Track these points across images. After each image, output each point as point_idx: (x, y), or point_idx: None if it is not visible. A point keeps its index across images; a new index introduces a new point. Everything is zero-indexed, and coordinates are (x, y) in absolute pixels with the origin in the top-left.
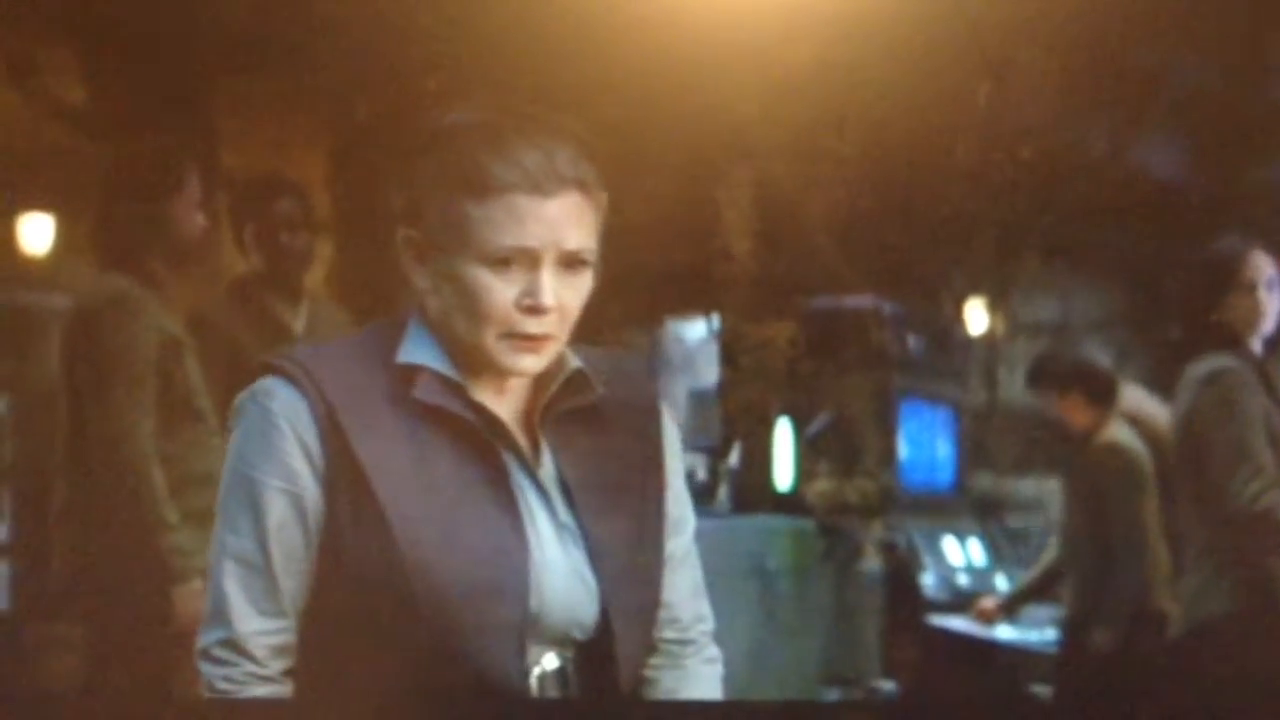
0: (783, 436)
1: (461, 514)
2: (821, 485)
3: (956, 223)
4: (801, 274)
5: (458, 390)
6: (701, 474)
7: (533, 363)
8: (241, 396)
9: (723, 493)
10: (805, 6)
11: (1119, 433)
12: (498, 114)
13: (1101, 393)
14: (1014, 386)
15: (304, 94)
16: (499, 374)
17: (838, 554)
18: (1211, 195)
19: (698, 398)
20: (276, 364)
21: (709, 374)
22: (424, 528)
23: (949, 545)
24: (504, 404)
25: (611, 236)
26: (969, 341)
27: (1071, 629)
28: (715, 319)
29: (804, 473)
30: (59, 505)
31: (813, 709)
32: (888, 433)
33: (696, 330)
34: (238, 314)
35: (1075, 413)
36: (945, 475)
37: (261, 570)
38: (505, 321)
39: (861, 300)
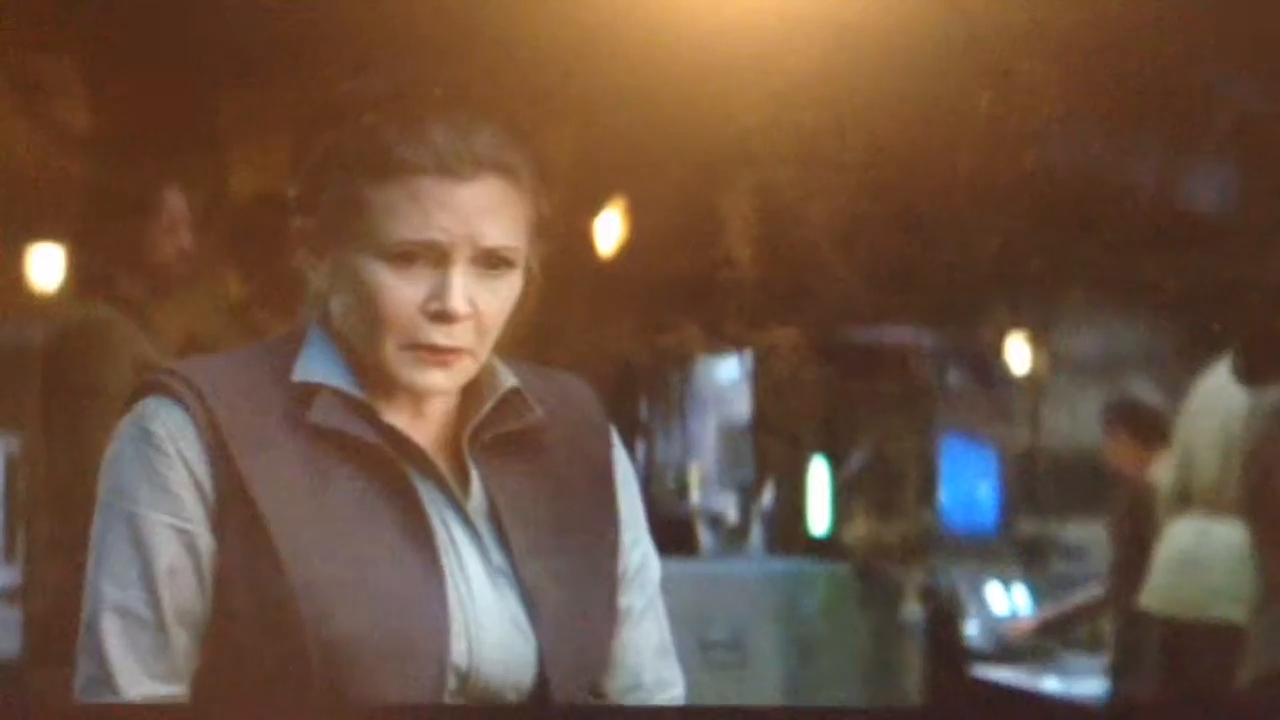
0: (818, 476)
1: (368, 556)
2: (859, 527)
3: (1001, 253)
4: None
5: (363, 411)
6: (733, 515)
7: (442, 380)
8: (121, 421)
9: (755, 535)
10: (807, 15)
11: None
12: (407, 84)
13: (1150, 431)
14: (1059, 425)
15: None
16: (413, 393)
17: (876, 599)
18: (1244, 212)
19: (729, 436)
20: (157, 380)
21: (741, 411)
22: (323, 571)
23: (993, 591)
24: (423, 427)
25: (613, 244)
26: (1011, 377)
27: (1117, 679)
28: (748, 357)
29: (841, 514)
30: (43, 544)
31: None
32: (928, 473)
33: (728, 367)
34: (238, 340)
35: (1122, 452)
36: (988, 517)
37: (151, 625)
38: (408, 329)
39: (901, 333)
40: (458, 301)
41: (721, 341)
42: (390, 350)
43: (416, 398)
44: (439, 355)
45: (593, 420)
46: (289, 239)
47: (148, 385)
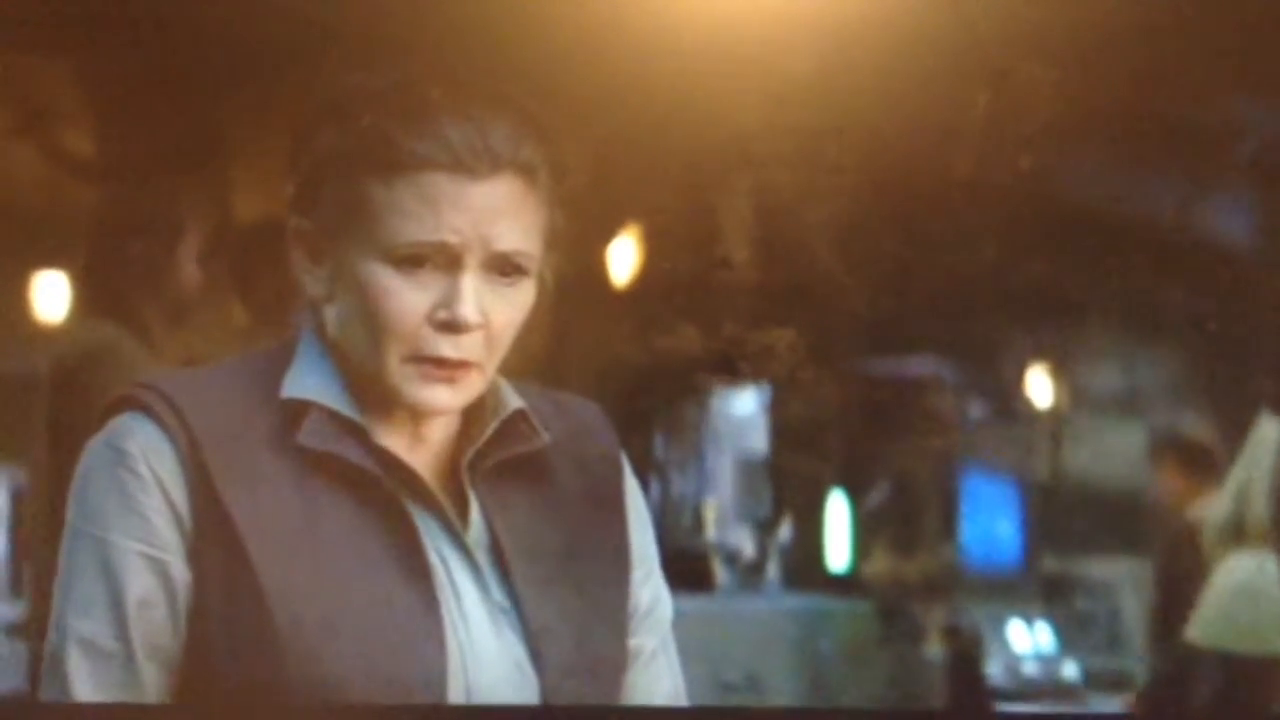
0: (837, 511)
1: (359, 591)
2: (879, 563)
3: (1022, 282)
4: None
5: (356, 433)
6: (750, 551)
7: (447, 397)
8: (93, 438)
9: (773, 571)
10: (805, 16)
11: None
12: (415, 77)
13: (1198, 466)
14: (1082, 458)
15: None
16: (412, 412)
17: (897, 638)
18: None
19: (746, 469)
20: (133, 394)
21: (758, 445)
22: (309, 606)
23: (1015, 629)
24: (421, 451)
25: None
26: (1034, 410)
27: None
28: (765, 389)
29: (860, 550)
30: (49, 578)
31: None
32: (950, 508)
33: (745, 400)
34: None
35: (1169, 486)
36: (1011, 554)
37: (120, 659)
38: (413, 339)
39: (922, 365)
40: (468, 309)
41: (736, 374)
42: (392, 363)
43: (415, 418)
44: (445, 369)
45: (603, 447)
46: (285, 241)
47: (122, 400)
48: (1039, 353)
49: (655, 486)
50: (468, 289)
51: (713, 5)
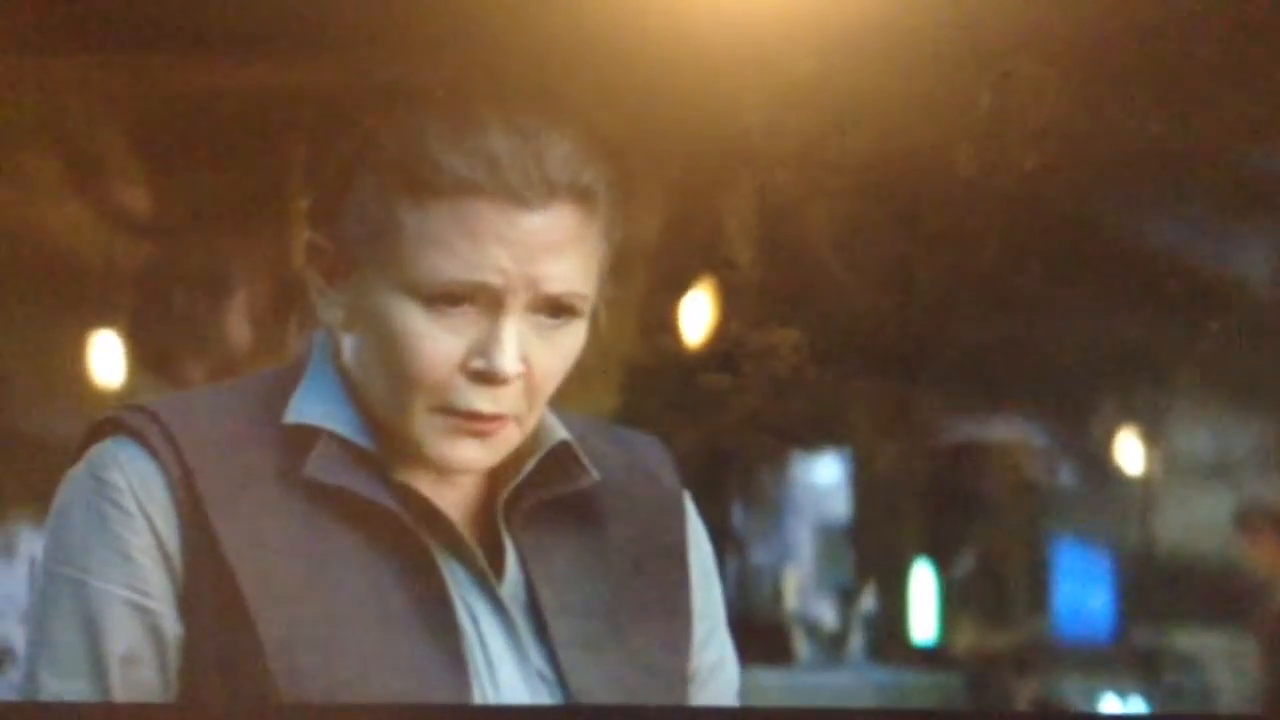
0: (923, 580)
1: (375, 649)
2: (966, 635)
3: (1111, 344)
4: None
5: (371, 464)
6: (832, 622)
7: (476, 454)
8: (72, 468)
9: (855, 643)
10: (807, 16)
11: None
12: (462, 78)
13: None
14: (1174, 526)
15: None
16: (431, 472)
17: (986, 712)
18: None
19: (827, 536)
20: (119, 417)
21: (840, 512)
22: (316, 667)
23: (1108, 704)
24: (448, 489)
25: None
26: (1125, 476)
27: None
28: (847, 453)
29: (947, 621)
30: None
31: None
32: (1039, 577)
33: (826, 467)
34: None
35: (1263, 554)
36: (1102, 625)
37: None
38: (442, 389)
39: (1009, 429)
40: (508, 360)
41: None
42: (416, 412)
43: (440, 471)
44: (478, 423)
45: (664, 486)
46: (298, 255)
47: (107, 424)
48: (1129, 416)
49: (734, 556)
50: (508, 336)
51: (713, 5)
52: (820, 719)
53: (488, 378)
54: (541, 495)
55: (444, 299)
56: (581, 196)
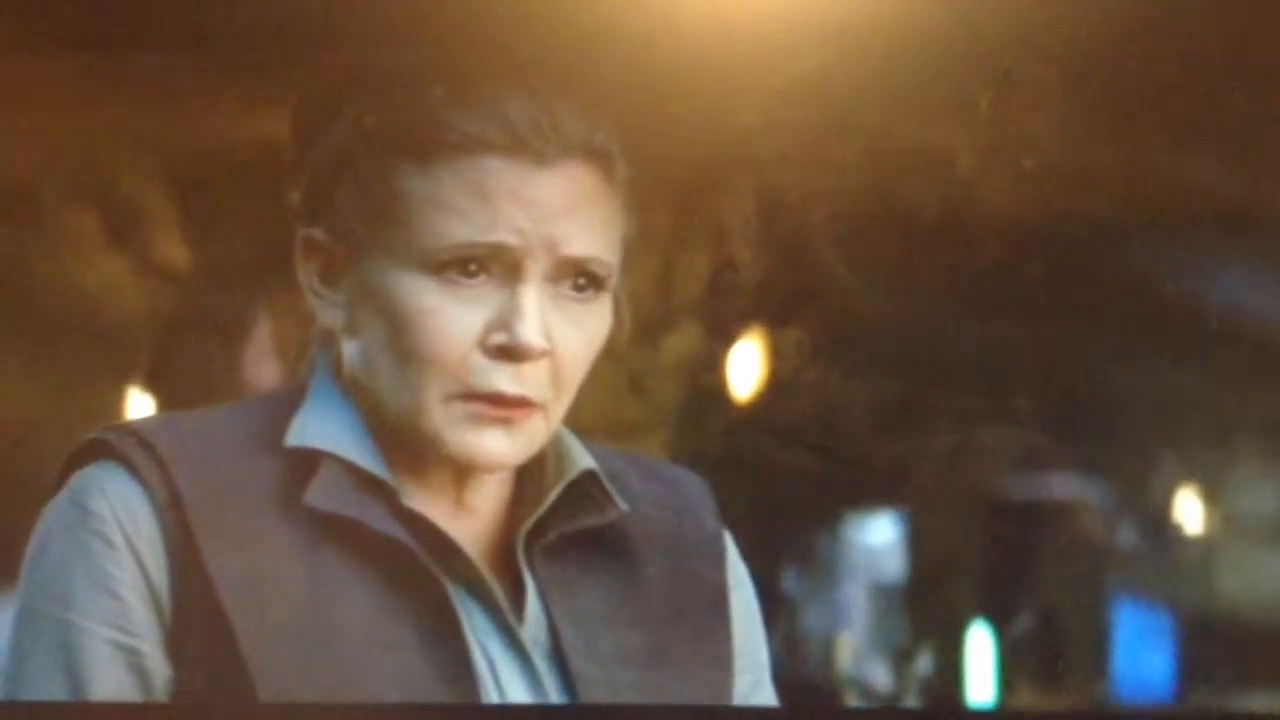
0: (979, 642)
1: (382, 698)
2: (1024, 698)
3: (1171, 408)
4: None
5: (380, 491)
6: (886, 685)
7: (502, 446)
8: (54, 499)
9: (909, 704)
10: (807, 17)
11: None
12: (460, 53)
13: None
14: (1237, 586)
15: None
16: (455, 469)
17: None
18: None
19: (882, 596)
20: (104, 440)
21: (894, 573)
22: (317, 715)
23: None
24: (466, 520)
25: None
26: (1184, 535)
27: None
28: (904, 516)
29: (1004, 683)
30: None
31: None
32: (1100, 638)
33: (880, 528)
34: None
35: None
36: (1164, 687)
37: None
38: (459, 371)
39: (1067, 487)
40: (531, 330)
41: (875, 496)
42: (432, 403)
43: (459, 477)
44: (502, 408)
45: (703, 524)
46: (294, 259)
47: (91, 448)
48: (1190, 475)
49: (785, 616)
50: (530, 306)
51: (713, 5)
52: (821, 719)
53: (510, 352)
54: (565, 529)
55: (457, 267)
56: (597, 157)
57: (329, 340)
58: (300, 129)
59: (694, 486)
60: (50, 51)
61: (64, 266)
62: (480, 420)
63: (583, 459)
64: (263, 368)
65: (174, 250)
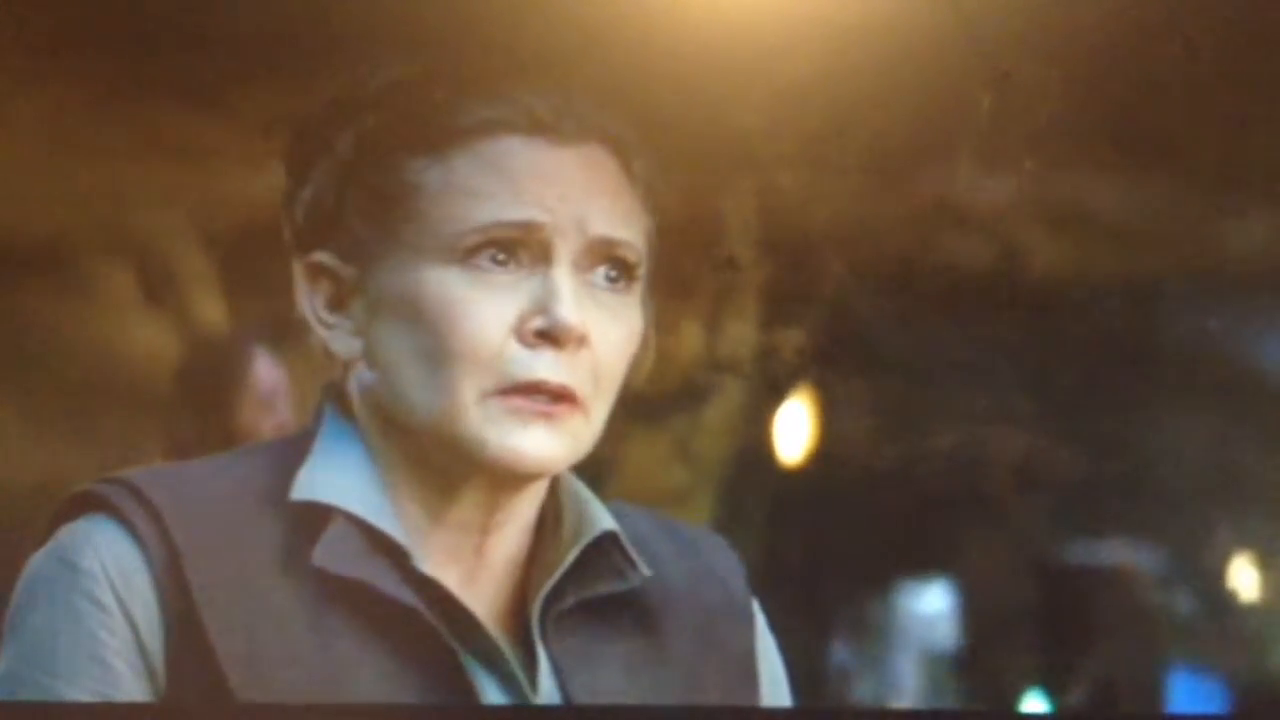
0: (1034, 710)
1: None
2: None
3: (1224, 474)
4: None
5: (393, 553)
6: None
7: (546, 445)
8: (39, 555)
9: None
10: (808, 17)
11: None
12: (460, 56)
13: None
14: None
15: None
16: (483, 497)
17: None
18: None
19: (934, 663)
20: (94, 492)
21: (947, 639)
22: None
23: None
24: (479, 583)
25: None
26: (1240, 604)
27: None
28: (954, 580)
29: None
30: None
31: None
32: (1155, 707)
33: (932, 595)
34: None
35: None
36: None
37: None
38: (496, 363)
39: (1120, 554)
40: (569, 310)
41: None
42: (470, 402)
43: (487, 502)
44: (543, 400)
45: (730, 590)
46: (296, 291)
47: (81, 500)
48: (1245, 543)
49: (833, 687)
50: (565, 287)
51: (715, 5)
52: (822, 719)
53: (550, 335)
54: (582, 595)
55: (485, 254)
56: (614, 143)
57: (335, 385)
58: (299, 153)
59: (721, 551)
60: (85, 104)
61: (94, 323)
62: (521, 415)
63: (603, 519)
64: (255, 416)
65: (208, 307)
